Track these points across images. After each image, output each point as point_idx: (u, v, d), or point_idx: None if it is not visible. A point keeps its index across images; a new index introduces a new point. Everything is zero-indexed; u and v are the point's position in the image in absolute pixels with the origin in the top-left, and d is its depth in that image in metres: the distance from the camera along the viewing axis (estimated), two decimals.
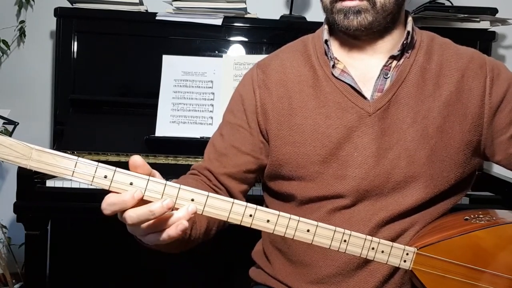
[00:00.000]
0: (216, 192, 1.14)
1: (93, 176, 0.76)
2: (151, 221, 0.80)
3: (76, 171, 0.75)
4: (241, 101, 1.19)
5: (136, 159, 0.81)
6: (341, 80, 1.12)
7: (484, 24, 2.19)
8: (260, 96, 1.16)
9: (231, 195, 1.17)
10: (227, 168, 1.16)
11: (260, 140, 1.17)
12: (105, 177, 0.76)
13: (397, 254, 0.98)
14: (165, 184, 0.79)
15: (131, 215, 0.79)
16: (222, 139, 1.19)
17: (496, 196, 1.95)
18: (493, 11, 2.17)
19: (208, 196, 0.82)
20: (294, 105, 1.14)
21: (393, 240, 1.08)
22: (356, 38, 1.13)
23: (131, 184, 0.77)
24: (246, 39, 2.16)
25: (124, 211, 0.80)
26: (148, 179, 0.78)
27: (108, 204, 0.79)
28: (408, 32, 1.12)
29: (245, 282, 1.34)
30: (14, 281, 2.29)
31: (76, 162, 0.75)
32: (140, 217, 0.79)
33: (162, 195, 0.79)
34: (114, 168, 0.77)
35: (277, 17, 2.27)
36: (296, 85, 1.15)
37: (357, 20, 1.07)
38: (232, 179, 1.17)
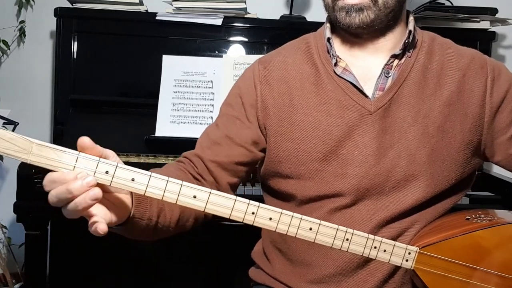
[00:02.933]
0: (199, 182, 1.13)
1: (95, 172, 0.75)
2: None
3: (77, 166, 0.75)
4: (240, 94, 1.18)
5: (84, 140, 0.78)
6: (343, 78, 1.12)
7: (484, 24, 2.19)
8: (261, 91, 1.16)
9: (217, 185, 1.15)
10: (219, 156, 1.15)
11: (257, 135, 1.16)
12: (107, 172, 0.76)
13: (399, 253, 0.98)
14: (167, 181, 0.78)
15: (51, 194, 0.76)
16: (217, 128, 1.18)
17: (496, 196, 1.95)
18: (493, 11, 2.17)
19: (210, 193, 0.81)
20: (295, 101, 1.14)
21: (394, 239, 1.08)
22: (358, 36, 1.13)
23: (132, 180, 0.77)
24: (246, 39, 2.16)
25: None
26: (150, 175, 0.78)
27: (49, 181, 0.76)
28: (410, 31, 1.12)
29: (245, 282, 1.33)
30: (14, 281, 2.29)
31: (77, 157, 0.75)
32: (59, 196, 0.76)
33: (164, 191, 0.78)
34: (115, 163, 0.76)
35: (277, 17, 2.27)
36: (298, 82, 1.15)
37: (359, 17, 1.07)
38: (222, 169, 1.15)
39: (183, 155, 1.19)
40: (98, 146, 0.79)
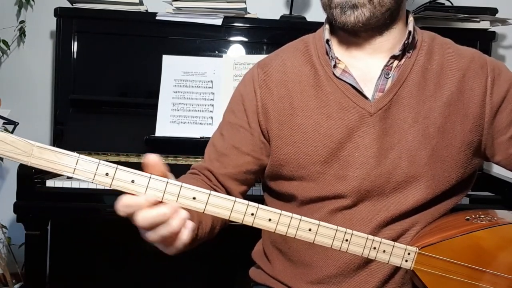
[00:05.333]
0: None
1: (95, 174, 0.75)
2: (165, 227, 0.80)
3: (78, 168, 0.75)
4: (242, 100, 1.18)
5: (151, 157, 0.80)
6: (342, 80, 1.11)
7: (484, 24, 2.19)
8: (261, 96, 1.16)
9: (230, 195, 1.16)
10: (228, 168, 1.16)
11: (261, 140, 1.17)
12: (107, 174, 0.76)
13: (399, 254, 0.98)
14: (167, 182, 0.78)
15: (145, 216, 0.79)
16: (222, 139, 1.19)
17: (496, 196, 1.95)
18: (493, 11, 2.17)
19: (210, 194, 0.81)
20: (295, 105, 1.13)
21: (394, 240, 1.08)
22: (355, 35, 1.13)
23: (132, 181, 0.77)
24: (246, 39, 2.16)
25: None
26: (150, 177, 0.78)
27: (123, 206, 0.79)
28: (410, 32, 1.12)
29: (245, 282, 1.34)
30: (14, 281, 2.29)
31: (78, 159, 0.75)
32: (155, 219, 0.79)
33: (164, 193, 0.78)
34: (115, 165, 0.76)
35: (277, 17, 2.27)
36: (297, 85, 1.15)
37: (354, 15, 1.06)
38: (232, 180, 1.17)
39: (192, 167, 1.21)
40: (162, 163, 0.81)
